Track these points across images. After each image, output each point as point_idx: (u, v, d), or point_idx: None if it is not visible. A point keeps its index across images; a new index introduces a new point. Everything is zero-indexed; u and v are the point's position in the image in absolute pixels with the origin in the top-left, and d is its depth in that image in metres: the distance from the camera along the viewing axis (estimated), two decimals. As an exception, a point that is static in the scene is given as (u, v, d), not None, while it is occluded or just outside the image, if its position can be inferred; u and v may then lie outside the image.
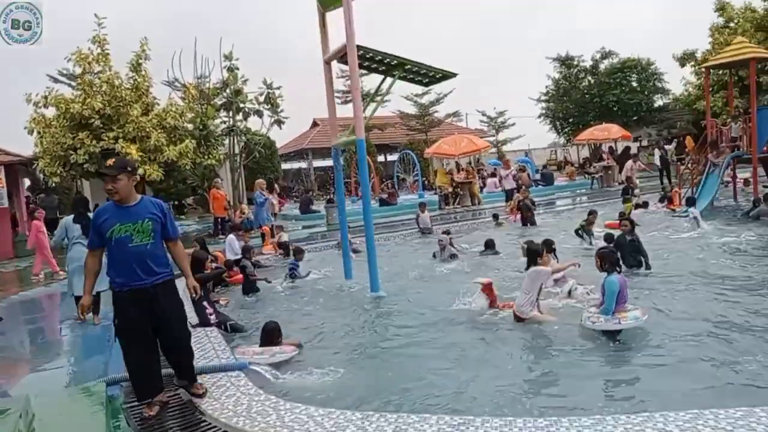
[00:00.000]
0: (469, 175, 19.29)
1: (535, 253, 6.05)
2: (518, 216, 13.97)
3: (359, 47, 7.54)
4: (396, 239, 13.77)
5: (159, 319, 3.96)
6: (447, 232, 10.57)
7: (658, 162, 21.46)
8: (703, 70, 16.89)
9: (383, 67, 8.43)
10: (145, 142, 14.51)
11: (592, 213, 10.66)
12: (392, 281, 8.43)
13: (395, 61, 8.05)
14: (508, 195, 16.94)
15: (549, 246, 7.76)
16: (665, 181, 20.42)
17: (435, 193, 24.37)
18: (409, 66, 8.18)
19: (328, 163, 44.12)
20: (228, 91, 17.00)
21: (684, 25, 73.17)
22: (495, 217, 14.31)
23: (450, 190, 18.85)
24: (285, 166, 38.89)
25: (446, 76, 8.36)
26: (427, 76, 8.60)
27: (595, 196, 19.93)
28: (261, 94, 17.29)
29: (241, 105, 16.79)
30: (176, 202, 26.50)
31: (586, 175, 23.24)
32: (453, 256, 9.72)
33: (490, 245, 10.04)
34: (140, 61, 15.25)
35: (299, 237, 15.09)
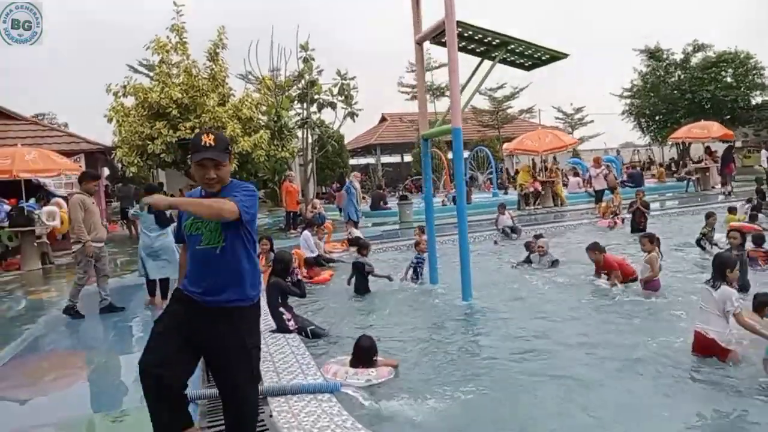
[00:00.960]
0: (552, 174, 18.00)
1: (724, 266, 4.56)
2: (618, 220, 12.80)
3: (459, 23, 6.67)
4: (474, 241, 12.77)
5: (214, 355, 2.94)
6: (539, 236, 9.46)
7: (765, 164, 19.28)
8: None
9: (482, 48, 7.52)
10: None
11: (711, 215, 9.29)
12: (483, 289, 7.50)
13: (498, 40, 7.12)
14: (598, 196, 15.55)
15: (653, 239, 6.86)
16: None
17: (504, 193, 23.37)
18: (513, 45, 7.22)
19: (396, 159, 43.62)
20: (303, 82, 16.60)
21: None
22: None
23: (532, 189, 17.62)
24: (352, 161, 38.61)
25: (555, 56, 7.33)
26: (531, 57, 7.61)
27: (690, 200, 18.11)
28: (335, 86, 16.80)
29: (316, 96, 16.33)
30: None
31: (686, 175, 21.18)
32: (554, 263, 8.62)
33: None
34: (217, 50, 15.06)
35: (370, 235, 14.36)
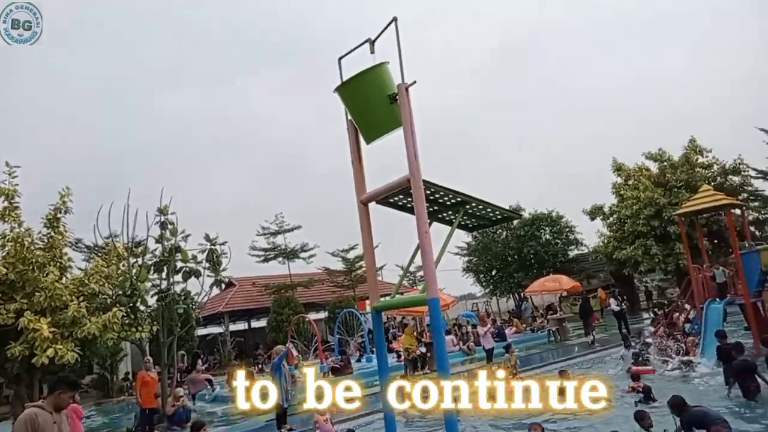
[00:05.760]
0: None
1: None
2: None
3: (424, 182, 5.98)
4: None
5: None
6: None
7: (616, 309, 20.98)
8: (678, 218, 16.32)
9: (434, 207, 6.87)
10: (58, 314, 11.29)
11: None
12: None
13: (458, 198, 6.53)
14: (489, 355, 15.16)
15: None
16: (623, 331, 19.87)
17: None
18: (470, 206, 6.67)
19: (243, 326, 40.28)
20: (161, 248, 14.45)
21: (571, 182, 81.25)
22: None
23: (419, 352, 16.66)
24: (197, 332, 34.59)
25: (509, 217, 6.94)
26: (482, 218, 7.11)
27: (560, 352, 18.67)
28: (202, 251, 14.98)
29: (180, 264, 14.21)
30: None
31: (546, 325, 22.17)
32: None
33: None
34: (59, 215, 12.55)
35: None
